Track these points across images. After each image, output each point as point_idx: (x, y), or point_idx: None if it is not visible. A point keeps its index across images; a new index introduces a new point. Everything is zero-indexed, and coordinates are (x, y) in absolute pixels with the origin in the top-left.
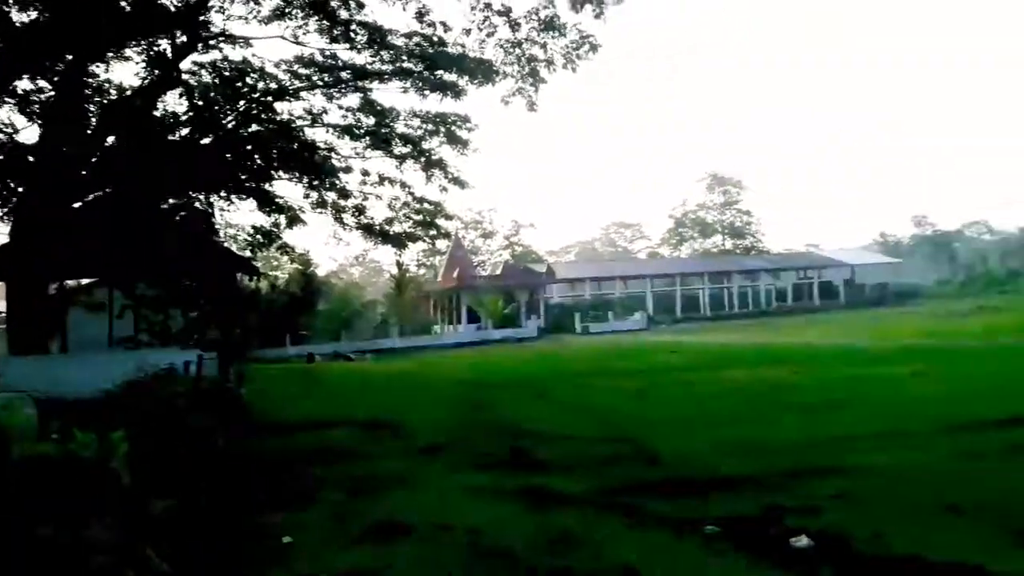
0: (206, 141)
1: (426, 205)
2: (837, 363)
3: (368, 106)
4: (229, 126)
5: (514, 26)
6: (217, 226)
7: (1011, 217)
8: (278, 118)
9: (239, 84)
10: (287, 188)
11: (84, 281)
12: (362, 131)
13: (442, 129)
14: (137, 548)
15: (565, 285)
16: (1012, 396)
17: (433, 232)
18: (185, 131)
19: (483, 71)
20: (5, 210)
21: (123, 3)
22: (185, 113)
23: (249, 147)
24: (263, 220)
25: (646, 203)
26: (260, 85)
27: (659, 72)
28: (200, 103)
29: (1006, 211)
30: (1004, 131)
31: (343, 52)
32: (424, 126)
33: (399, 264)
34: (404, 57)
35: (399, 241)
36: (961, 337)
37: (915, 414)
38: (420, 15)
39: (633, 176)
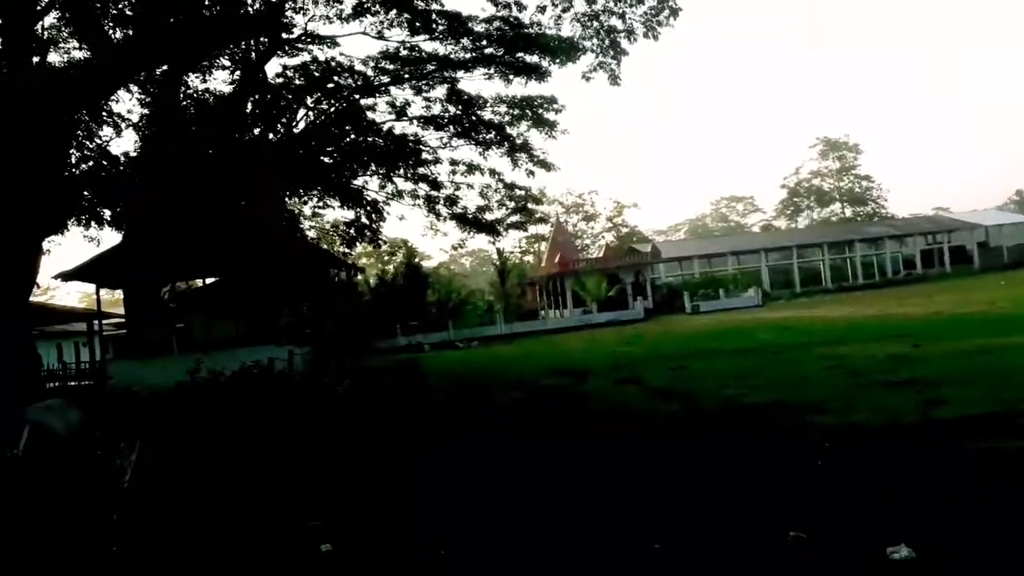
0: (284, 137)
1: (517, 191)
2: (966, 333)
3: (454, 96)
4: (315, 124)
5: None
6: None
7: None
8: (365, 115)
9: (328, 84)
10: (373, 183)
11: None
12: (445, 120)
13: (529, 112)
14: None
15: (673, 264)
16: None
17: (527, 218)
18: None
19: (563, 48)
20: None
21: (205, 12)
22: (260, 112)
23: (334, 145)
24: (350, 215)
25: (758, 174)
26: (349, 82)
27: (757, 31)
28: (281, 103)
29: None
30: None
31: (426, 44)
32: (511, 111)
33: (499, 252)
34: (484, 43)
35: (493, 229)
36: None
37: None
38: None
39: (740, 147)
